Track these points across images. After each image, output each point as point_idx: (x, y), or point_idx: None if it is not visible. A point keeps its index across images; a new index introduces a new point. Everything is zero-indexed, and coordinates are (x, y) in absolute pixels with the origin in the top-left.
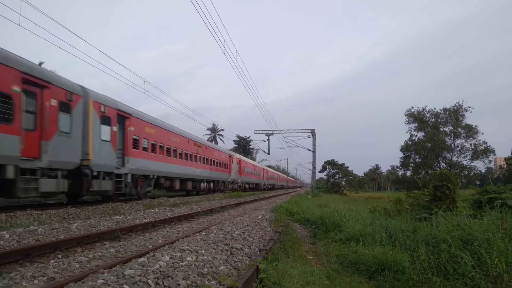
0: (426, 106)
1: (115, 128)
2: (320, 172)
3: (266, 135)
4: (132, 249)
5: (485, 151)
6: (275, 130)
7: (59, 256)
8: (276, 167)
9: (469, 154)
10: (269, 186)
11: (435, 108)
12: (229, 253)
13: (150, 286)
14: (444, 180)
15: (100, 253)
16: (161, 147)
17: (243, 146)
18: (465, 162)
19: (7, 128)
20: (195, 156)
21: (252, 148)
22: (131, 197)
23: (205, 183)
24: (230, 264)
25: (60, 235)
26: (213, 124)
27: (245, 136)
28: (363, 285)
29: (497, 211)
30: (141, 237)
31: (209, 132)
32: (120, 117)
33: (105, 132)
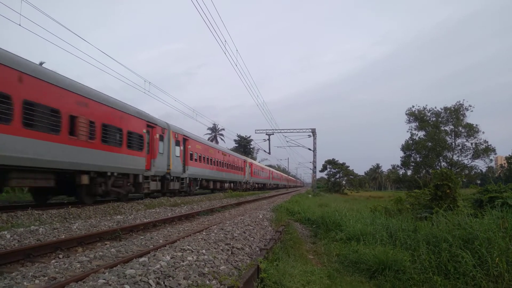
0: (427, 105)
1: (182, 148)
2: (320, 171)
3: (266, 134)
4: (133, 249)
5: (486, 150)
6: (276, 129)
7: (60, 256)
8: (277, 166)
9: (470, 153)
10: (274, 185)
11: (436, 107)
12: (230, 252)
13: (151, 286)
14: (445, 179)
15: (101, 253)
16: (204, 158)
17: (243, 145)
18: (466, 161)
19: (141, 154)
20: (222, 163)
21: (253, 148)
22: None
23: (228, 183)
24: (231, 264)
25: (61, 235)
26: (214, 124)
27: (245, 136)
28: (364, 284)
29: (498, 210)
30: (142, 237)
31: (209, 131)
32: (183, 139)
33: (177, 150)
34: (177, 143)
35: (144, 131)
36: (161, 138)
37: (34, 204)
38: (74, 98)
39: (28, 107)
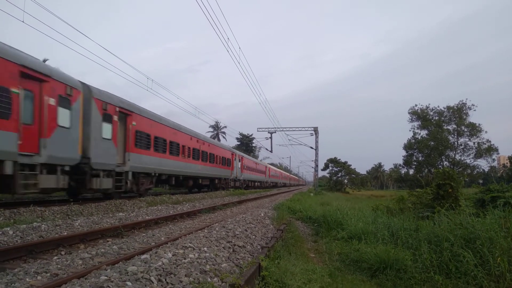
0: (429, 104)
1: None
2: (322, 170)
3: (269, 132)
4: (135, 246)
5: (489, 150)
6: (278, 127)
7: (62, 253)
8: (279, 165)
9: (472, 153)
10: (272, 184)
11: (438, 106)
12: (232, 250)
13: (153, 282)
14: (447, 178)
15: (103, 250)
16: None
17: (245, 143)
18: (468, 161)
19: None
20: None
21: (255, 146)
22: (133, 194)
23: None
24: (233, 262)
25: (63, 231)
26: (216, 122)
27: (247, 134)
28: (365, 283)
29: (500, 210)
30: (143, 234)
31: (211, 129)
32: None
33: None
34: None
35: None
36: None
37: (36, 201)
38: None
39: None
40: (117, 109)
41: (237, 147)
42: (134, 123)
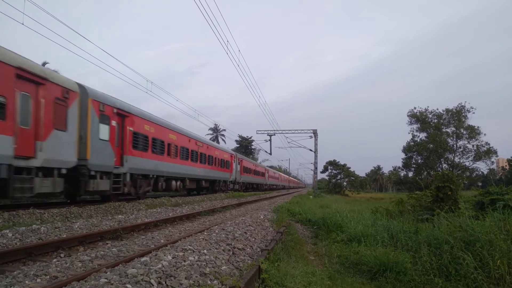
0: (428, 106)
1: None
2: (322, 172)
3: (268, 135)
4: (134, 249)
5: (488, 152)
6: (277, 130)
7: (62, 255)
8: (278, 167)
9: (471, 155)
10: (271, 186)
11: (437, 109)
12: (231, 253)
13: (153, 285)
14: (446, 181)
15: (102, 252)
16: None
17: (245, 146)
18: (467, 163)
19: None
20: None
21: (254, 148)
22: (131, 197)
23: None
24: (232, 264)
25: (62, 234)
26: (215, 124)
27: (247, 136)
28: (365, 286)
29: (500, 212)
30: (143, 237)
31: (211, 132)
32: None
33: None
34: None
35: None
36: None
37: (36, 203)
38: None
39: None
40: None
41: (237, 150)
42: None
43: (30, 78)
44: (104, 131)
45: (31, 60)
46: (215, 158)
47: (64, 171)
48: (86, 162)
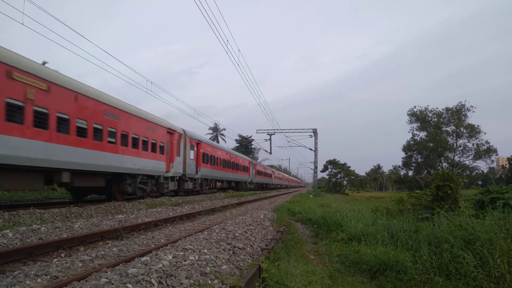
0: (428, 105)
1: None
2: (322, 171)
3: (268, 134)
4: (135, 248)
5: (488, 151)
6: (277, 129)
7: (62, 255)
8: (278, 166)
9: (471, 154)
10: (276, 185)
11: (437, 108)
12: (232, 252)
13: (153, 285)
14: (446, 180)
15: (103, 252)
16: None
17: (245, 145)
18: (467, 162)
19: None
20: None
21: (254, 148)
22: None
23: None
24: (233, 263)
25: (63, 234)
26: (215, 124)
27: (247, 136)
28: (365, 285)
29: (500, 211)
30: (143, 236)
31: (211, 131)
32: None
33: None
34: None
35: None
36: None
37: (36, 203)
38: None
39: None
40: (196, 141)
41: (236, 149)
42: (201, 148)
43: (170, 131)
44: (192, 154)
45: (167, 121)
46: (241, 165)
47: (177, 178)
48: (185, 172)
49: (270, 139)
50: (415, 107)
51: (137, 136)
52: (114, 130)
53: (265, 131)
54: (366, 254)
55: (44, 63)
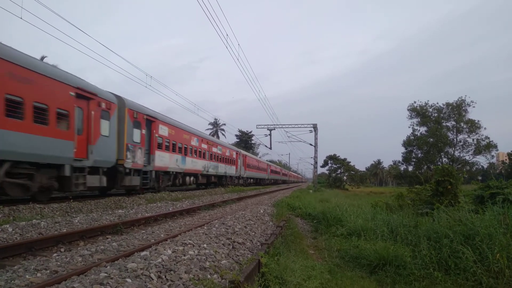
0: (428, 100)
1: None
2: (322, 167)
3: (268, 129)
4: (134, 243)
5: (488, 146)
6: (277, 124)
7: (62, 250)
8: (278, 161)
9: (471, 149)
10: (272, 180)
11: (437, 103)
12: (231, 247)
13: (153, 279)
14: (446, 175)
15: (102, 247)
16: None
17: (245, 140)
18: (467, 157)
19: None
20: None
21: (254, 143)
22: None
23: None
24: (232, 258)
25: (62, 228)
26: (215, 119)
27: (247, 131)
28: (365, 279)
29: (499, 206)
30: (143, 231)
31: (211, 126)
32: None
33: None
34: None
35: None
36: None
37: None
38: None
39: None
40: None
41: (236, 144)
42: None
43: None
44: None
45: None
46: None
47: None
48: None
49: (270, 134)
50: (415, 102)
51: None
52: (224, 157)
53: (265, 126)
54: (365, 249)
55: (43, 57)
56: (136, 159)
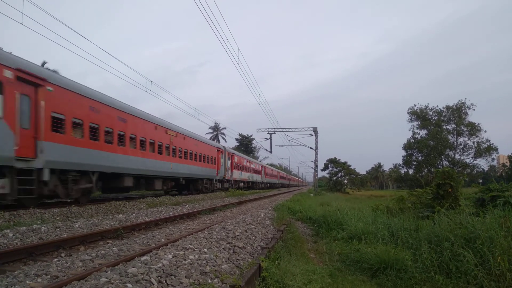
0: (428, 104)
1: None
2: (322, 170)
3: (268, 133)
4: (135, 248)
5: (488, 149)
6: (277, 128)
7: (62, 255)
8: (278, 165)
9: (472, 152)
10: (268, 185)
11: (437, 106)
12: (232, 251)
13: (153, 284)
14: (446, 178)
15: (103, 252)
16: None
17: (245, 144)
18: (468, 160)
19: None
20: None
21: (255, 147)
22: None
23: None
24: (233, 263)
25: (63, 233)
26: (215, 123)
27: (247, 135)
28: (366, 283)
29: (500, 209)
30: (143, 236)
31: (211, 130)
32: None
33: None
34: None
35: None
36: None
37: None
38: None
39: None
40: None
41: (237, 148)
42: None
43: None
44: None
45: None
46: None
47: None
48: None
49: (270, 138)
50: (415, 105)
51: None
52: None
53: (265, 130)
54: (366, 252)
55: (43, 63)
56: None
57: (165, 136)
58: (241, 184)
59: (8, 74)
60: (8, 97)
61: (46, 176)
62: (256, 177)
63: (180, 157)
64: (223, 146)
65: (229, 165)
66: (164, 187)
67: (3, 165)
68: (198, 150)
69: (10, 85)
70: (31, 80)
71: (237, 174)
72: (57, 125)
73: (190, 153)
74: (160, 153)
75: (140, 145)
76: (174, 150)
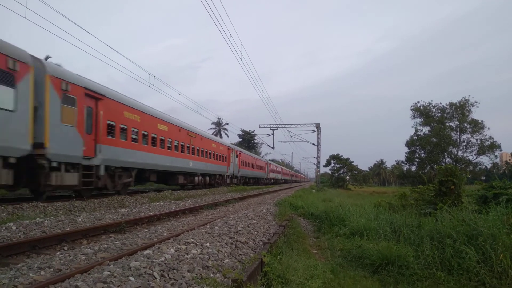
0: (432, 100)
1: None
2: (324, 166)
3: (271, 129)
4: (137, 242)
5: (491, 147)
6: (280, 124)
7: (65, 248)
8: (280, 161)
9: (475, 149)
10: (272, 180)
11: (441, 103)
12: (234, 246)
13: (156, 278)
14: (449, 175)
15: (105, 245)
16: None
17: (247, 140)
18: (470, 157)
19: None
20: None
21: (257, 143)
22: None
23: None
24: (235, 257)
25: (66, 227)
26: (218, 118)
27: (249, 130)
28: (367, 279)
29: (503, 206)
30: (146, 230)
31: (214, 126)
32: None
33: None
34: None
35: None
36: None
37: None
38: None
39: None
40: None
41: (239, 144)
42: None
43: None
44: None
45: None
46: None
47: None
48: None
49: (273, 134)
50: (418, 102)
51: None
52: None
53: (268, 126)
54: (368, 248)
55: (47, 57)
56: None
57: (186, 138)
58: (250, 180)
59: (80, 92)
60: (79, 110)
61: (102, 171)
62: (261, 174)
63: (198, 155)
64: (231, 145)
65: (236, 162)
66: (185, 181)
67: (76, 162)
68: (213, 149)
69: (81, 101)
70: (93, 95)
71: (244, 171)
72: (110, 130)
73: (206, 151)
74: (182, 152)
75: (168, 147)
76: (193, 149)
